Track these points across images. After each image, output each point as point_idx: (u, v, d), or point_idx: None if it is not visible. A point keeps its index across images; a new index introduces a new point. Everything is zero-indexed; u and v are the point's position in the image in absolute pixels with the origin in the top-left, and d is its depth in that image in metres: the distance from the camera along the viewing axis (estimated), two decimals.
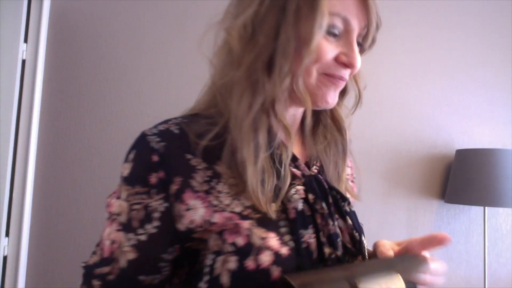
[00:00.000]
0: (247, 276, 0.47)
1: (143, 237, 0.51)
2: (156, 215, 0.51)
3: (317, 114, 0.64)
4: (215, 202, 0.51)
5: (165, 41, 1.74)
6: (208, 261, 0.50)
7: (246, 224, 0.50)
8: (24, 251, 1.57)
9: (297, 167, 0.58)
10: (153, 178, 0.51)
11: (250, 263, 0.47)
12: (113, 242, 0.53)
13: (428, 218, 1.91)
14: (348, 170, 0.71)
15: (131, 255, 0.51)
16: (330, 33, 0.52)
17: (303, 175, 0.57)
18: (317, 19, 0.50)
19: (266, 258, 0.48)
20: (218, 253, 0.50)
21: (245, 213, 0.51)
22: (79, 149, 1.66)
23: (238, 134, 0.52)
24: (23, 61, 1.64)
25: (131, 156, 0.55)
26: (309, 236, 0.52)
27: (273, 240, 0.49)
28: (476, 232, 1.93)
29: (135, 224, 0.52)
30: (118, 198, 0.54)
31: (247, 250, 0.48)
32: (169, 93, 1.72)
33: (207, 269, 0.50)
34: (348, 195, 0.64)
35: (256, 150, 0.52)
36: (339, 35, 0.53)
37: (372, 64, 1.91)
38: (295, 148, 0.62)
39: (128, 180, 0.53)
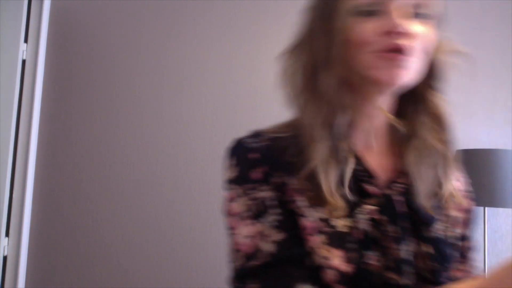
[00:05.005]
0: (320, 285, 0.49)
1: (279, 217, 0.53)
2: (272, 203, 0.53)
3: (407, 117, 0.58)
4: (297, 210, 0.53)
5: (165, 41, 1.74)
6: None
7: (314, 241, 0.51)
8: (24, 251, 1.57)
9: (374, 184, 0.54)
10: (257, 174, 0.54)
11: (319, 277, 0.49)
12: (251, 237, 0.53)
13: None
14: (457, 184, 0.61)
15: (278, 236, 0.52)
16: (364, 13, 0.51)
17: (382, 193, 0.54)
18: (337, 5, 0.51)
19: (330, 276, 0.49)
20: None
21: (319, 226, 0.52)
22: (79, 149, 1.66)
23: (308, 142, 0.53)
24: (23, 61, 1.64)
25: (232, 160, 0.57)
26: (370, 258, 0.50)
27: (336, 259, 0.49)
28: (476, 232, 1.93)
29: (262, 212, 0.53)
30: (232, 200, 0.56)
31: (316, 265, 0.50)
32: (168, 92, 1.72)
33: None
34: (454, 212, 0.59)
35: (324, 154, 0.52)
36: (379, 12, 0.51)
37: None
38: (378, 159, 0.57)
39: (235, 181, 0.56)
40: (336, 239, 0.50)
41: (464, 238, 0.61)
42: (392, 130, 0.58)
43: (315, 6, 0.56)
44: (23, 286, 1.57)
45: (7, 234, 1.57)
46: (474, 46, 2.01)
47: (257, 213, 0.53)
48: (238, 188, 0.55)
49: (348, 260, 0.49)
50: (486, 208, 1.76)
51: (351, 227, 0.51)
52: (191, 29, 1.76)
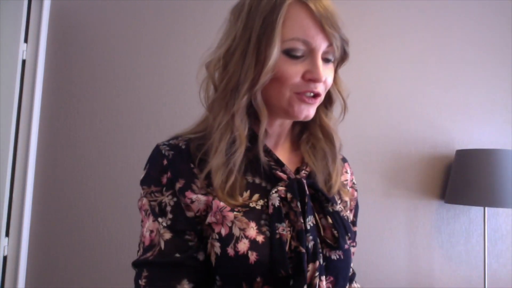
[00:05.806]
0: (228, 260, 0.58)
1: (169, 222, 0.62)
2: (168, 209, 0.62)
3: (305, 124, 0.73)
4: (212, 196, 0.62)
5: (164, 41, 1.74)
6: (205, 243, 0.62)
7: (231, 216, 0.60)
8: (24, 251, 1.57)
9: (283, 171, 0.67)
10: (164, 178, 0.63)
11: (230, 250, 0.58)
12: (151, 231, 0.63)
13: (428, 219, 1.91)
14: (347, 176, 0.80)
15: (167, 235, 0.61)
16: (292, 56, 0.61)
17: (289, 178, 0.67)
18: (272, 44, 0.59)
19: (243, 246, 0.58)
20: (208, 237, 0.61)
21: (236, 209, 0.62)
22: (79, 149, 1.66)
23: (211, 148, 0.63)
24: (23, 61, 1.64)
25: (147, 163, 0.67)
26: (282, 229, 0.61)
27: (251, 230, 0.60)
28: (476, 232, 1.93)
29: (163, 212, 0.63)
30: (142, 198, 0.65)
31: (228, 238, 0.59)
32: (167, 92, 1.72)
33: (205, 249, 0.62)
34: (346, 198, 0.76)
35: (222, 159, 0.62)
36: (304, 56, 0.62)
37: (372, 65, 1.91)
38: (285, 154, 0.72)
39: (146, 182, 0.66)
40: (251, 214, 0.61)
41: (352, 222, 0.78)
42: (295, 134, 0.74)
43: (249, 26, 0.62)
44: (23, 286, 1.57)
45: (7, 234, 1.57)
46: (474, 46, 2.02)
47: (157, 213, 0.62)
48: (147, 188, 0.65)
49: (261, 231, 0.60)
50: (486, 208, 1.76)
51: (264, 205, 0.63)
52: (191, 29, 1.76)
